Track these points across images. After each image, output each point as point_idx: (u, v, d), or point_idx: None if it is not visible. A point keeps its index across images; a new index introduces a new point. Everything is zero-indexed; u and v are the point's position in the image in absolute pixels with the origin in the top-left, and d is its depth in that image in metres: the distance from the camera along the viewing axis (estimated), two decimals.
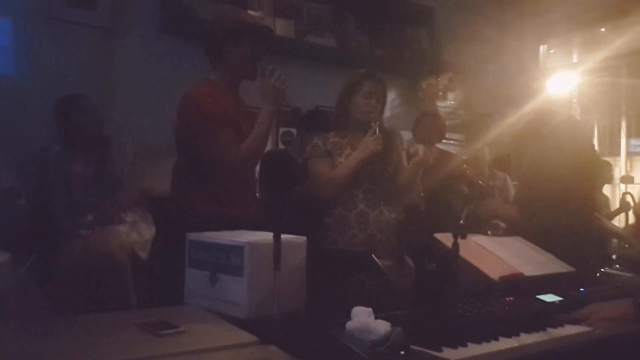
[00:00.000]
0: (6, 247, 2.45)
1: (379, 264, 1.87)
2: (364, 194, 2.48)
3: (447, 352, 1.23)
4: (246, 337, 1.35)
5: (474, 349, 1.27)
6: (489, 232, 2.76)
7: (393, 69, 4.25)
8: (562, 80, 5.49)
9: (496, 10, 4.81)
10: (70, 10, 3.29)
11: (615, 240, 3.96)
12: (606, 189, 5.37)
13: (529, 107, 2.45)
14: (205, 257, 1.65)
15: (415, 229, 2.60)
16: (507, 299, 1.65)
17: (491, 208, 2.78)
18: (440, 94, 4.61)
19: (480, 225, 2.70)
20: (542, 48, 5.34)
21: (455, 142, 4.02)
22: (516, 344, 1.33)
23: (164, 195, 2.76)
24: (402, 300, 2.11)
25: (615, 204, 5.33)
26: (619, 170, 6.65)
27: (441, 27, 4.75)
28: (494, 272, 1.84)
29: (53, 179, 2.91)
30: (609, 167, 5.16)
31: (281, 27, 3.94)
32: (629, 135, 7.06)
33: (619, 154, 7.04)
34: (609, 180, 5.30)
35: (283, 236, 1.44)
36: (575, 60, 5.89)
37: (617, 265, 2.46)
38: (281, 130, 3.86)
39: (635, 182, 6.45)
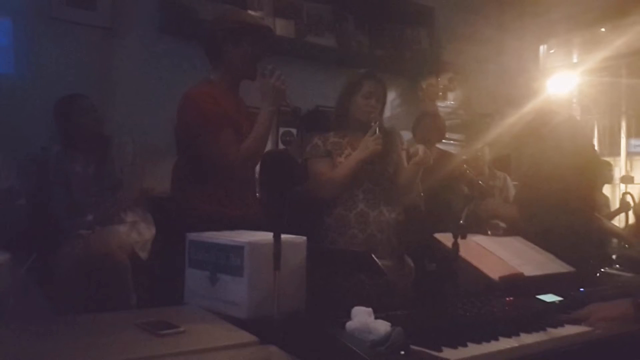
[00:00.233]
0: (6, 247, 2.45)
1: (379, 264, 1.87)
2: (364, 194, 2.48)
3: (447, 352, 1.23)
4: (246, 337, 1.35)
5: (474, 349, 1.27)
6: (489, 232, 2.76)
7: (393, 69, 4.25)
8: (562, 80, 5.48)
9: (496, 10, 4.81)
10: (70, 10, 3.29)
11: (615, 240, 3.96)
12: (606, 189, 5.37)
13: (529, 107, 2.45)
14: (205, 257, 1.65)
15: (415, 229, 2.60)
16: (507, 299, 1.65)
17: (491, 208, 2.78)
18: (440, 94, 4.61)
19: (480, 225, 2.70)
20: (542, 48, 5.34)
21: (455, 142, 4.02)
22: (516, 344, 1.33)
23: (164, 195, 2.76)
24: (402, 300, 2.11)
25: (615, 204, 5.33)
26: (619, 170, 6.65)
27: (441, 27, 4.75)
28: (494, 272, 1.84)
29: (53, 179, 2.91)
30: (609, 167, 5.16)
31: (281, 27, 3.94)
32: (629, 135, 7.06)
33: (619, 154, 7.04)
34: (609, 180, 5.30)
35: (283, 236, 1.44)
36: (575, 60, 5.89)
37: (617, 265, 2.46)
38: (281, 130, 3.86)
39: (635, 182, 6.45)
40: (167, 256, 2.37)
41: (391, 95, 3.82)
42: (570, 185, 2.33)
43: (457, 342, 1.27)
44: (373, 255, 1.87)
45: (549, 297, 1.69)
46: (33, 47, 3.18)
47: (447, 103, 4.61)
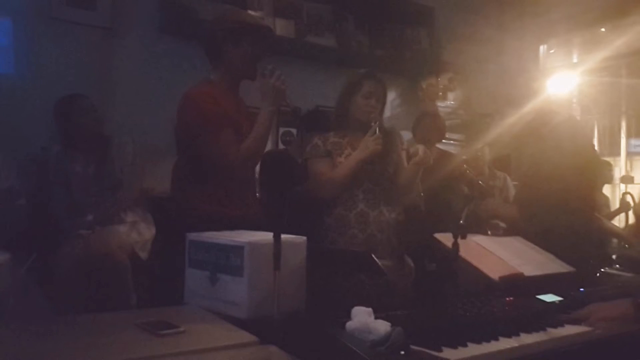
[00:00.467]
0: (6, 247, 2.45)
1: (379, 264, 1.87)
2: (364, 194, 2.48)
3: (447, 352, 1.23)
4: (246, 337, 1.35)
5: (474, 349, 1.27)
6: (489, 232, 2.76)
7: (393, 69, 4.25)
8: (562, 80, 5.48)
9: (496, 10, 4.81)
10: (70, 10, 3.29)
11: (615, 240, 3.96)
12: (606, 189, 5.37)
13: (529, 107, 2.45)
14: (205, 257, 1.65)
15: (415, 229, 2.60)
16: (507, 299, 1.65)
17: (491, 208, 2.78)
18: (440, 94, 4.61)
19: (480, 225, 2.70)
20: (542, 48, 5.34)
21: (455, 142, 4.02)
22: (516, 344, 1.33)
23: (164, 195, 2.76)
24: (402, 300, 2.11)
25: (615, 204, 5.33)
26: (619, 170, 6.65)
27: (441, 27, 4.75)
28: (494, 272, 1.84)
29: (53, 179, 2.91)
30: (609, 167, 5.16)
31: (281, 27, 3.94)
32: (629, 135, 7.06)
33: (619, 154, 7.04)
34: (609, 180, 5.30)
35: (283, 236, 1.44)
36: (575, 60, 5.89)
37: (617, 265, 2.46)
38: (281, 130, 3.86)
39: (635, 182, 6.45)
40: (167, 256, 2.37)
41: (391, 95, 3.82)
42: (570, 185, 2.33)
43: (457, 342, 1.27)
44: (373, 255, 1.87)
45: (549, 297, 1.69)
46: (33, 47, 3.18)
47: (447, 103, 4.61)
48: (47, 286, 2.57)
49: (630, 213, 4.69)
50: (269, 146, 2.85)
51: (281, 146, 3.85)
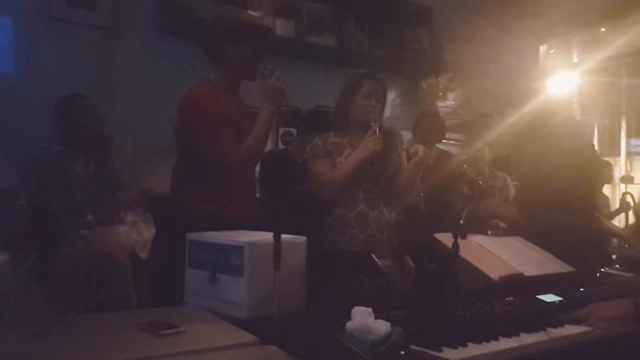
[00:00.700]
0: (6, 247, 2.45)
1: (379, 264, 1.86)
2: (364, 194, 2.48)
3: (447, 352, 1.23)
4: (246, 337, 1.35)
5: (474, 349, 1.27)
6: (489, 232, 2.76)
7: (393, 69, 4.25)
8: (562, 80, 5.48)
9: (496, 10, 4.81)
10: (70, 10, 3.29)
11: (615, 240, 3.96)
12: (606, 189, 5.37)
13: (529, 107, 2.45)
14: (205, 257, 1.65)
15: (415, 229, 2.60)
16: (507, 299, 1.65)
17: (491, 208, 2.78)
18: (440, 94, 4.61)
19: (480, 225, 2.70)
20: (542, 48, 5.34)
21: (455, 142, 4.02)
22: (516, 344, 1.33)
23: (164, 195, 2.76)
24: (402, 300, 2.11)
25: (615, 204, 5.33)
26: (619, 170, 6.65)
27: (441, 27, 4.75)
28: (494, 272, 1.84)
29: (53, 179, 2.91)
30: (609, 167, 5.16)
31: (281, 27, 3.94)
32: (629, 135, 7.06)
33: (619, 154, 7.04)
34: (609, 180, 5.30)
35: (283, 236, 1.44)
36: (575, 60, 5.89)
37: (617, 265, 2.46)
38: (281, 130, 3.86)
39: (635, 182, 6.45)
40: (167, 256, 2.37)
41: (391, 95, 3.82)
42: (570, 185, 2.33)
43: (457, 342, 1.27)
44: (373, 255, 1.87)
45: (549, 297, 1.69)
46: (33, 47, 3.18)
47: (447, 103, 4.61)
48: (47, 286, 2.57)
49: (630, 213, 4.69)
50: (269, 146, 2.85)
51: (281, 146, 3.85)
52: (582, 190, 2.42)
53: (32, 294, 2.46)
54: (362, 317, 1.29)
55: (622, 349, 1.49)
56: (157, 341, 1.30)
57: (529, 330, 1.40)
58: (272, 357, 1.25)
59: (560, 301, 1.67)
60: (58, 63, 3.24)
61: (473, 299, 1.60)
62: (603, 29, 5.20)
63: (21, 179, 2.83)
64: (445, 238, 1.89)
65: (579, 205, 2.38)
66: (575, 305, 1.61)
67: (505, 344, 1.32)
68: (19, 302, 2.33)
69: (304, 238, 1.66)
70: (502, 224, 2.87)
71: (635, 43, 4.46)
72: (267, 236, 1.50)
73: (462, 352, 1.25)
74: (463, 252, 1.79)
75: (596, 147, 6.09)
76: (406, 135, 3.27)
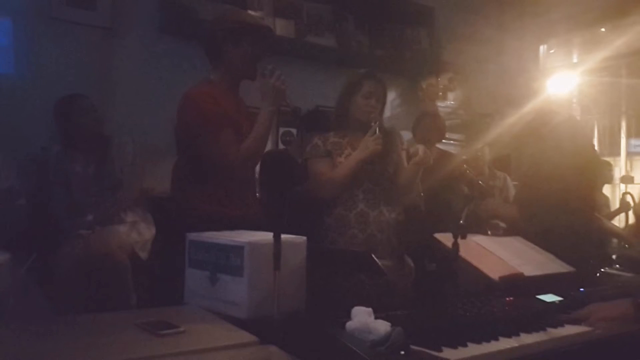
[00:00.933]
0: (6, 247, 2.45)
1: (379, 264, 1.86)
2: (364, 194, 2.48)
3: (447, 352, 1.23)
4: (246, 337, 1.35)
5: (474, 349, 1.27)
6: (489, 232, 2.76)
7: (393, 69, 4.25)
8: (562, 80, 5.48)
9: (496, 10, 4.81)
10: (70, 10, 3.29)
11: (615, 240, 3.96)
12: (606, 189, 5.37)
13: (529, 107, 2.45)
14: (205, 257, 1.65)
15: (415, 229, 2.60)
16: (507, 299, 1.65)
17: (491, 208, 2.78)
18: (440, 94, 4.61)
19: (480, 225, 2.70)
20: (542, 48, 5.34)
21: (455, 142, 4.02)
22: (516, 344, 1.33)
23: (164, 195, 2.76)
24: (402, 300, 2.11)
25: (615, 204, 5.33)
26: (619, 170, 6.65)
27: (441, 27, 4.75)
28: (494, 272, 1.84)
29: (53, 179, 2.91)
30: (609, 167, 5.16)
31: (281, 27, 3.94)
32: (629, 135, 7.06)
33: (619, 154, 7.04)
34: (609, 180, 5.30)
35: (283, 236, 1.44)
36: (575, 60, 5.89)
37: (617, 265, 2.46)
38: (281, 130, 3.86)
39: (635, 182, 6.45)
40: (167, 256, 2.37)
41: (391, 95, 3.82)
42: (570, 185, 2.33)
43: (457, 342, 1.27)
44: (373, 255, 1.87)
45: (549, 297, 1.69)
46: (33, 47, 3.18)
47: (447, 103, 4.61)
48: (47, 286, 2.57)
49: (630, 213, 4.69)
50: (269, 146, 2.85)
51: (281, 146, 3.85)
52: (582, 190, 2.42)
53: (32, 294, 2.46)
54: (362, 317, 1.29)
55: (622, 349, 1.49)
56: (157, 341, 1.30)
57: (529, 330, 1.40)
58: (272, 357, 1.25)
59: (560, 301, 1.67)
60: (58, 63, 3.24)
61: (473, 299, 1.60)
62: (603, 29, 5.20)
63: (21, 179, 2.83)
64: (445, 238, 1.89)
65: (579, 205, 2.38)
66: (575, 305, 1.61)
67: (505, 344, 1.32)
68: (19, 302, 2.33)
69: (304, 238, 1.66)
70: (502, 224, 2.87)
71: (635, 43, 4.46)
72: (267, 236, 1.50)
73: (462, 352, 1.25)
74: (463, 252, 1.79)
75: (596, 147, 6.09)
76: (406, 135, 3.27)
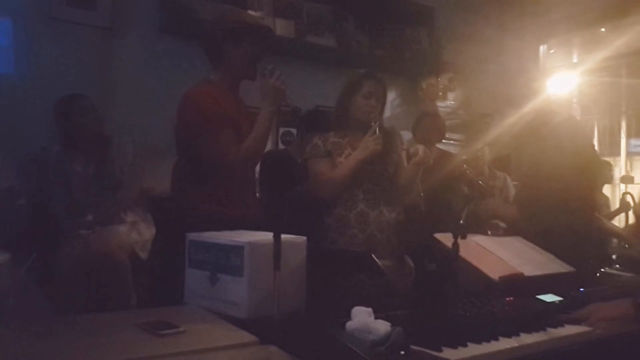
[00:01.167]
0: (6, 247, 2.45)
1: (379, 264, 1.86)
2: (364, 194, 2.48)
3: (447, 352, 1.23)
4: (246, 337, 1.35)
5: (474, 349, 1.27)
6: (489, 232, 2.76)
7: (393, 69, 4.25)
8: (562, 80, 5.48)
9: (496, 10, 4.81)
10: (70, 10, 3.29)
11: (615, 240, 3.96)
12: (606, 189, 5.37)
13: (529, 107, 2.45)
14: (205, 257, 1.65)
15: (415, 229, 2.60)
16: (507, 299, 1.65)
17: (491, 208, 2.78)
18: (440, 94, 4.61)
19: (480, 225, 2.70)
20: (542, 48, 5.34)
21: (455, 142, 4.03)
22: (516, 344, 1.33)
23: (164, 195, 2.76)
24: (402, 300, 2.11)
25: (615, 204, 5.33)
26: (619, 170, 6.65)
27: (441, 27, 4.75)
28: (494, 272, 1.84)
29: (53, 179, 2.91)
30: (609, 167, 5.16)
31: (281, 27, 3.94)
32: (629, 135, 7.06)
33: (619, 154, 7.04)
34: (609, 180, 5.30)
35: (283, 236, 1.44)
36: (575, 60, 5.89)
37: (617, 265, 2.46)
38: (281, 130, 3.86)
39: (635, 182, 6.44)
40: (167, 256, 2.37)
41: (391, 95, 3.81)
42: (570, 185, 2.33)
43: (457, 342, 1.27)
44: (373, 255, 1.87)
45: (549, 297, 1.69)
46: (33, 47, 3.18)
47: (447, 103, 4.61)
48: (47, 286, 2.57)
49: (630, 213, 4.69)
50: (269, 146, 2.85)
51: (281, 146, 3.85)
52: (582, 190, 2.42)
53: (32, 294, 2.46)
54: (362, 317, 1.29)
55: (622, 349, 1.49)
56: (157, 341, 1.30)
57: (529, 330, 1.40)
58: (272, 357, 1.25)
59: (560, 301, 1.67)
60: (58, 63, 3.24)
61: (473, 299, 1.60)
62: (603, 29, 5.20)
63: (21, 179, 2.83)
64: (445, 238, 1.89)
65: (579, 205, 2.38)
66: (575, 305, 1.61)
67: (505, 344, 1.32)
68: (19, 302, 2.33)
69: (304, 238, 1.66)
70: (502, 224, 2.87)
71: (635, 43, 4.46)
72: (267, 236, 1.50)
73: (462, 352, 1.25)
74: (463, 252, 1.79)
75: (596, 147, 6.09)
76: (406, 135, 3.27)
